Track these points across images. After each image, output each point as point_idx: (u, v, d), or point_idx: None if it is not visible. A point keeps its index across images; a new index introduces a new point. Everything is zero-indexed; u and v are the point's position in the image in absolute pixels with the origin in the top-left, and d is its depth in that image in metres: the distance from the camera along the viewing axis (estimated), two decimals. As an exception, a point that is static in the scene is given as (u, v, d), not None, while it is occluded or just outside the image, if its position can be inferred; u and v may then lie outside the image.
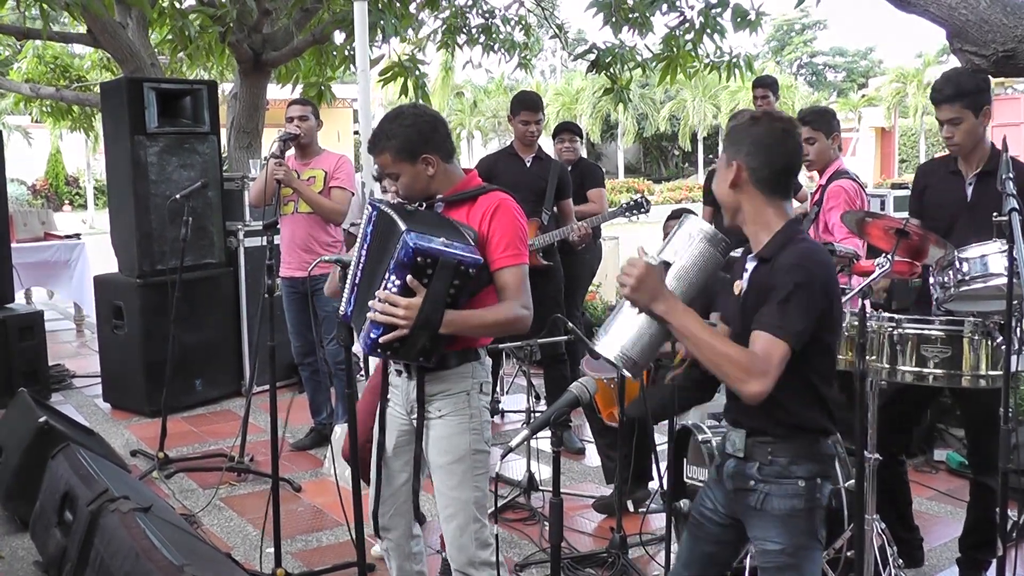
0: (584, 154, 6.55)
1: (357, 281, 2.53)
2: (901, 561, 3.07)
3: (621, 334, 2.06)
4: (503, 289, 2.48)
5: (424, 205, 2.59)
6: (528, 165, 5.01)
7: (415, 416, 2.59)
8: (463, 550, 2.57)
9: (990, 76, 3.81)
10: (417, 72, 7.40)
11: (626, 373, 2.09)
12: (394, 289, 2.34)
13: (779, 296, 1.97)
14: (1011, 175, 2.57)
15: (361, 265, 2.52)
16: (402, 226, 2.32)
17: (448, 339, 2.44)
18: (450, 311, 2.36)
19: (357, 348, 2.77)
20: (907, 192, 5.23)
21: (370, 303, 2.38)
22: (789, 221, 2.12)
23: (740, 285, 2.18)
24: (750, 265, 2.15)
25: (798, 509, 2.06)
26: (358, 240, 2.54)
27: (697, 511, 2.26)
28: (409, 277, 2.31)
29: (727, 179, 2.13)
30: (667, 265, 2.04)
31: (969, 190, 3.24)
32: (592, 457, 4.91)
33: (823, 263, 2.06)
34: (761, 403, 1.98)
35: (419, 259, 2.29)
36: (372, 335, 2.40)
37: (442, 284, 2.32)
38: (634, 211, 4.99)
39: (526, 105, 4.99)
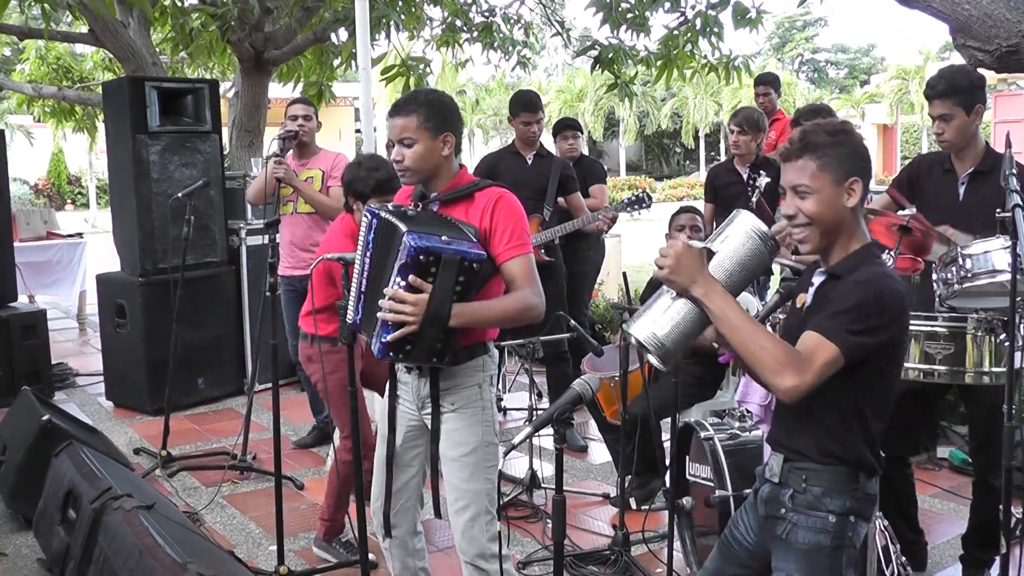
0: (586, 151, 6.56)
1: (363, 289, 2.53)
2: (904, 559, 3.06)
3: (654, 318, 1.96)
4: (512, 281, 2.48)
5: (420, 206, 2.59)
6: (529, 163, 5.02)
7: (426, 412, 2.59)
8: (474, 542, 2.56)
9: (993, 72, 3.80)
10: (420, 70, 7.39)
11: (653, 361, 1.98)
12: (400, 289, 2.34)
13: (838, 307, 1.89)
14: (1014, 171, 2.56)
15: (366, 273, 2.51)
16: (402, 227, 2.33)
17: (460, 338, 2.45)
18: (458, 304, 2.36)
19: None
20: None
21: (380, 303, 2.38)
22: (869, 243, 2.02)
23: (804, 298, 2.08)
24: (817, 279, 2.05)
25: (823, 545, 1.95)
26: (359, 248, 2.53)
27: (729, 531, 2.20)
28: (412, 277, 2.31)
29: (845, 199, 1.96)
30: (710, 253, 1.95)
31: (961, 190, 3.23)
32: (594, 455, 4.92)
33: (896, 291, 1.92)
34: (804, 423, 1.94)
35: (421, 257, 2.30)
36: (383, 338, 2.39)
37: (447, 280, 2.32)
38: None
39: (526, 106, 4.99)
